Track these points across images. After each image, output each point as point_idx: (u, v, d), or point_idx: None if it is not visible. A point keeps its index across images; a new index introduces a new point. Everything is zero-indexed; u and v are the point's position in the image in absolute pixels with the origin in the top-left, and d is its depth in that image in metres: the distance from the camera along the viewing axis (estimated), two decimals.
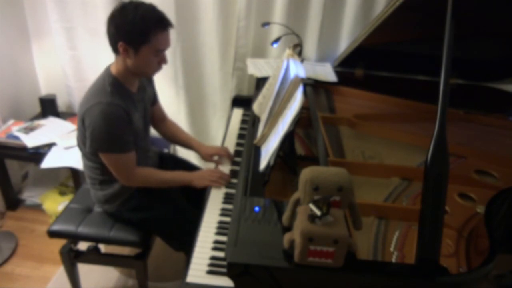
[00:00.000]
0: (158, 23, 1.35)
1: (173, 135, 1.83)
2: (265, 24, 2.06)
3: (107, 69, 1.46)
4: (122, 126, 1.40)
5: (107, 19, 1.36)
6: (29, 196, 2.47)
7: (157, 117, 1.78)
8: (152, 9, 1.36)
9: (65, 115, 2.46)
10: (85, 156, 1.53)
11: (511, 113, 1.92)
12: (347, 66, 2.14)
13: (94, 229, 1.61)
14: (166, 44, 1.41)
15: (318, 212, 0.91)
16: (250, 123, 1.81)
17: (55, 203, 2.32)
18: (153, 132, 1.77)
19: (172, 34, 1.46)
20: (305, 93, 1.36)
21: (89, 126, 1.37)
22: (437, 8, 1.18)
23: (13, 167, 2.46)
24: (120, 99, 1.40)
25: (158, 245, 1.82)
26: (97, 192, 1.60)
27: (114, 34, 1.35)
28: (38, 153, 2.16)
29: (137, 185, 1.54)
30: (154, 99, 1.71)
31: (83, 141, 1.47)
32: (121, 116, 1.38)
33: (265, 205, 1.15)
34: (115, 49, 1.39)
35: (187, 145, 1.82)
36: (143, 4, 1.35)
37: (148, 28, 1.33)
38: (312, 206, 0.92)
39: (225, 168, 1.64)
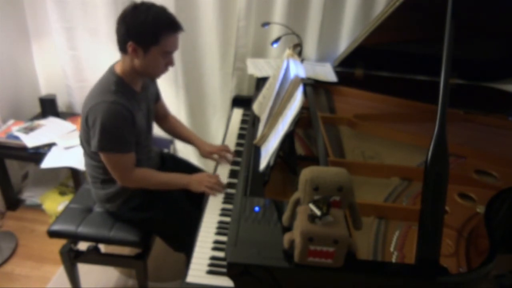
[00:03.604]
0: (169, 25, 1.37)
1: (175, 131, 1.85)
2: (265, 24, 2.06)
3: (111, 69, 1.46)
4: (125, 126, 1.40)
5: (118, 18, 1.37)
6: (29, 196, 2.47)
7: (160, 114, 1.79)
8: (163, 11, 1.37)
9: (65, 115, 2.46)
10: (87, 154, 1.53)
11: (511, 113, 1.92)
12: (347, 66, 2.14)
13: (94, 229, 1.61)
14: (175, 46, 1.43)
15: (318, 212, 0.91)
16: (250, 123, 1.81)
17: (55, 203, 2.32)
18: (153, 131, 1.78)
19: None
20: (305, 93, 1.36)
21: (93, 124, 1.37)
22: (437, 8, 1.18)
23: (13, 167, 2.46)
24: (124, 98, 1.40)
25: (158, 245, 1.82)
26: (98, 191, 1.60)
27: (124, 34, 1.35)
28: (38, 153, 2.16)
29: (133, 186, 1.53)
30: (156, 97, 1.72)
31: (86, 140, 1.47)
32: (124, 115, 1.39)
33: (265, 205, 1.15)
34: (123, 49, 1.39)
35: (188, 141, 1.83)
36: (155, 6, 1.37)
37: (159, 30, 1.35)
38: (312, 206, 0.92)
39: (225, 168, 1.64)
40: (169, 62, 1.45)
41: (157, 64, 1.42)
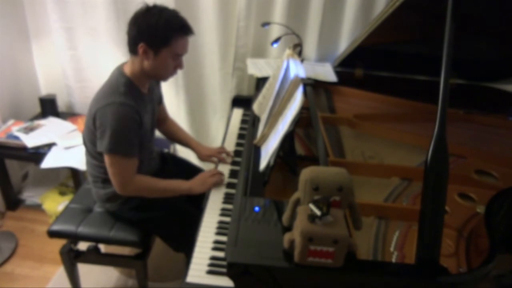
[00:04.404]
0: (181, 29, 1.39)
1: (173, 134, 1.85)
2: (265, 24, 2.06)
3: (120, 70, 1.46)
4: (132, 128, 1.40)
5: (130, 20, 1.38)
6: (29, 196, 2.47)
7: (161, 116, 1.80)
8: (175, 14, 1.39)
9: (65, 115, 2.46)
10: (90, 154, 1.53)
11: (511, 113, 1.92)
12: (347, 66, 2.14)
13: (94, 229, 1.61)
14: (185, 49, 1.44)
15: (318, 212, 0.91)
16: (250, 123, 1.81)
17: (55, 203, 2.32)
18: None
19: None
20: (305, 93, 1.37)
21: (101, 126, 1.37)
22: (437, 8, 1.18)
23: (13, 167, 2.46)
24: (133, 100, 1.40)
25: (158, 245, 1.82)
26: (98, 190, 1.60)
27: (136, 35, 1.36)
28: (38, 153, 2.16)
29: (133, 194, 1.50)
30: (160, 99, 1.73)
31: (90, 139, 1.47)
32: (133, 117, 1.39)
33: (265, 205, 1.15)
34: (133, 50, 1.40)
35: (185, 144, 1.83)
36: (167, 9, 1.38)
37: (170, 33, 1.36)
38: (312, 206, 0.92)
39: (225, 168, 1.64)
40: (178, 65, 1.46)
41: (166, 67, 1.43)
